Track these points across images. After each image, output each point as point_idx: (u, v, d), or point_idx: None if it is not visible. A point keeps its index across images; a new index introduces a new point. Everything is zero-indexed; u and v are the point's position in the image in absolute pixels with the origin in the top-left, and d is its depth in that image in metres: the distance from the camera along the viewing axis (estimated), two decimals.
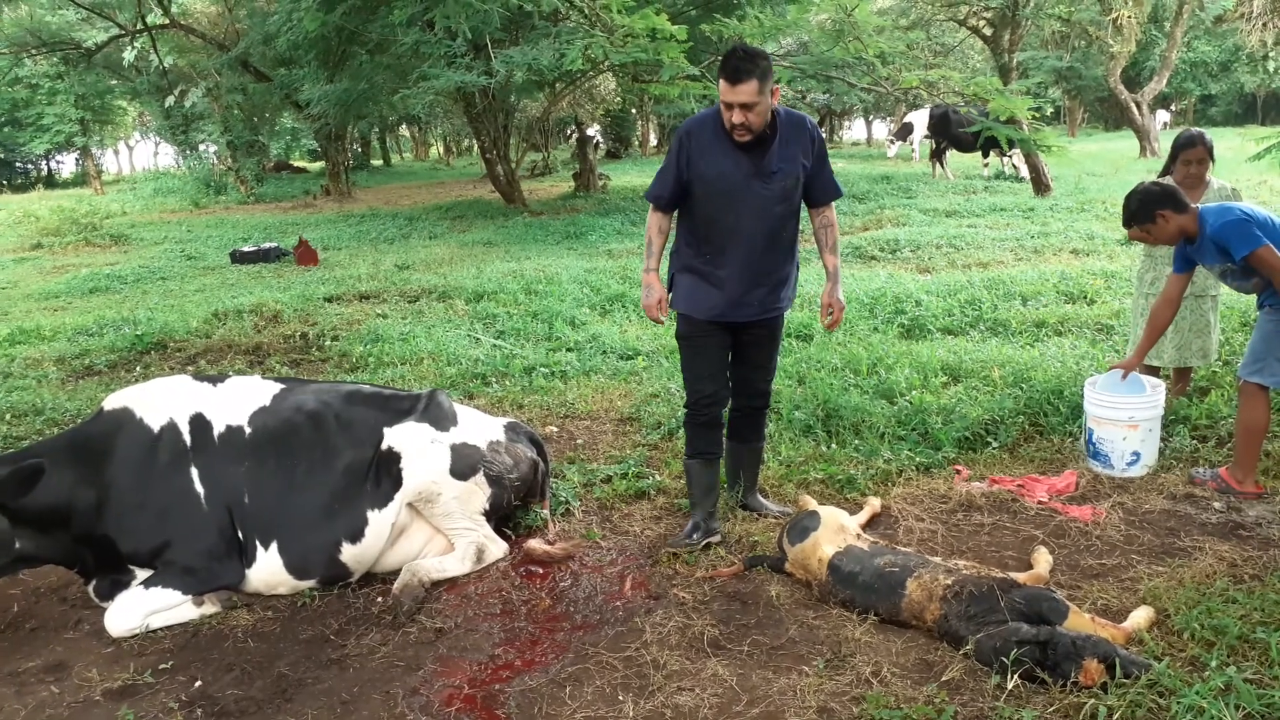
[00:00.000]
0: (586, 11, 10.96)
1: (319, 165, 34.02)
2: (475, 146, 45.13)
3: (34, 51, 20.27)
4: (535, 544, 3.94)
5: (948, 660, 2.99)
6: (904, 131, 25.65)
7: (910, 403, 5.30)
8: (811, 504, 3.92)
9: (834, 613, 3.35)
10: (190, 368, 7.19)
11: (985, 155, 19.52)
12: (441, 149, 48.72)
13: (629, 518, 4.31)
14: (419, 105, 15.32)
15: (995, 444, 4.86)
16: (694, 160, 3.68)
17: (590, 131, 29.49)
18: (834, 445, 4.90)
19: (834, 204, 3.93)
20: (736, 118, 3.51)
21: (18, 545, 3.38)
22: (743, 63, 3.41)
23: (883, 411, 5.22)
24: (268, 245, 13.57)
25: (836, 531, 3.57)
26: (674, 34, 10.16)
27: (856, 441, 4.92)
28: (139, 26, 19.37)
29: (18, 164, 44.10)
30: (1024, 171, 17.20)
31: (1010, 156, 18.47)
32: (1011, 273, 8.99)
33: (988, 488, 4.35)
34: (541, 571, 3.84)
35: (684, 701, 2.86)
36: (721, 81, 3.49)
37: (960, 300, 7.78)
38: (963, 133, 18.30)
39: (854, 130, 44.75)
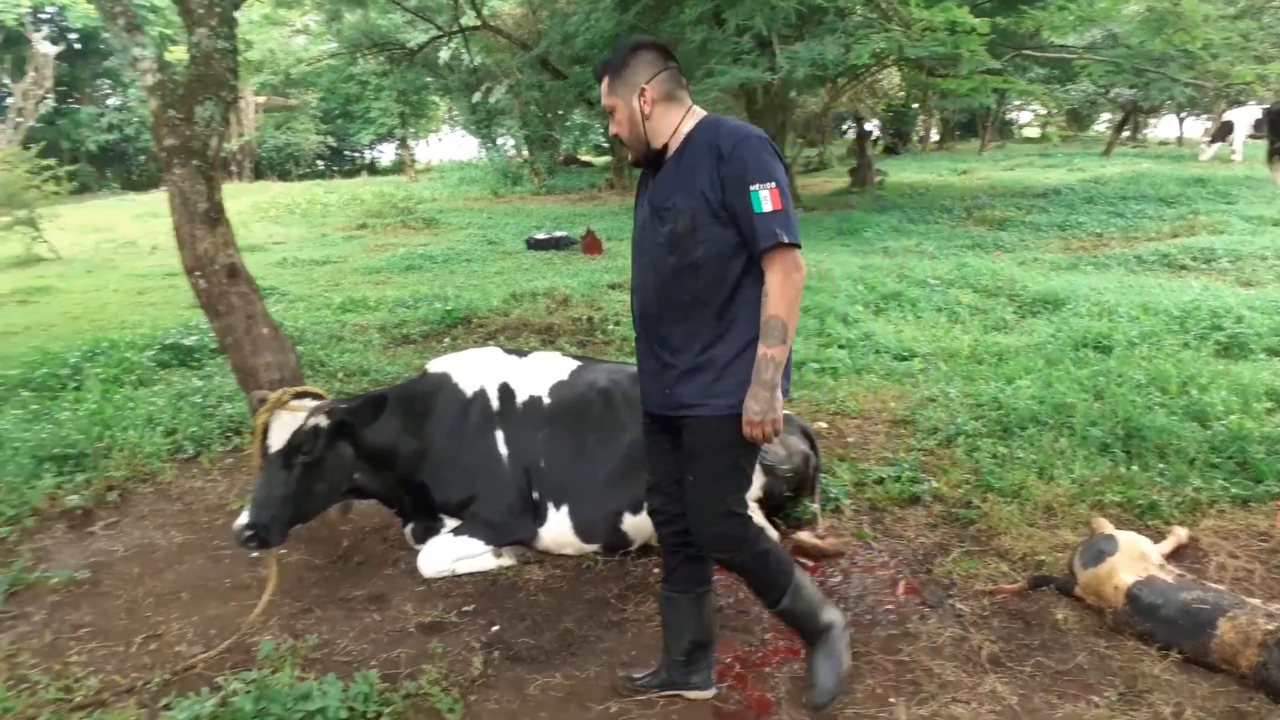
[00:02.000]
0: (884, 5, 10.72)
1: (604, 160, 35.68)
2: None
3: (366, 51, 22.78)
4: (805, 537, 3.97)
5: (1264, 713, 2.70)
6: (1223, 131, 22.92)
7: (1227, 428, 4.79)
8: (1107, 527, 3.67)
9: (1129, 644, 3.13)
10: (490, 342, 7.84)
11: None
12: None
13: (902, 521, 4.23)
14: (700, 102, 15.61)
15: None
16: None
17: (869, 126, 28.81)
18: (1134, 467, 4.52)
19: (784, 258, 2.54)
20: (610, 128, 2.87)
21: (355, 475, 3.86)
22: (607, 58, 2.81)
23: (1193, 435, 4.76)
24: (559, 234, 14.44)
25: (1136, 559, 3.32)
26: (975, 27, 9.73)
27: (1161, 465, 4.52)
28: (454, 28, 21.21)
29: (347, 152, 49.75)
30: None
31: None
32: None
33: None
34: (811, 565, 3.86)
35: (960, 714, 2.79)
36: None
37: None
38: None
39: (1161, 129, 40.65)
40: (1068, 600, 3.42)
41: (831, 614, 2.91)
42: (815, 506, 4.22)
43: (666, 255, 2.67)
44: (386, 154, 53.87)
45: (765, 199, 2.51)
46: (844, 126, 38.01)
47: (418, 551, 4.01)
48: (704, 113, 2.72)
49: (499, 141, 34.26)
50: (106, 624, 3.65)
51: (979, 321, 7.88)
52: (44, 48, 33.43)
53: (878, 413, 5.70)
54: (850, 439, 5.28)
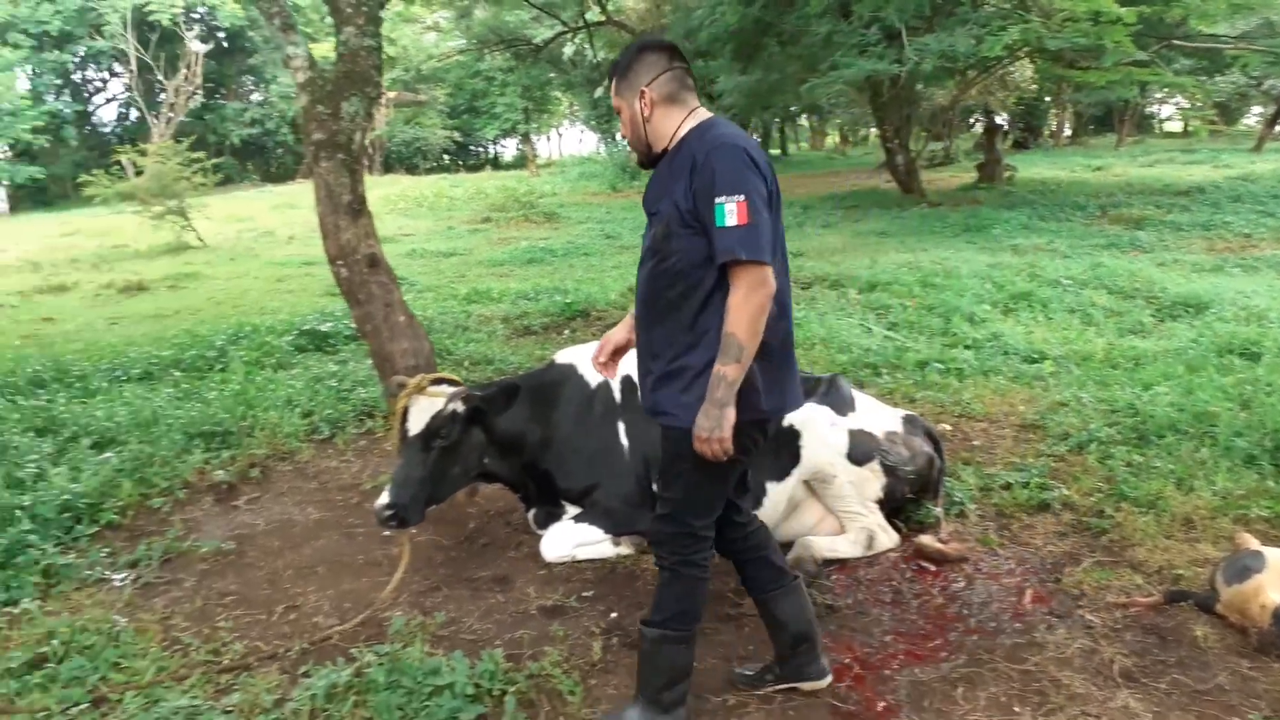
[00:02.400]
0: None
1: None
2: (871, 136, 44.66)
3: (494, 47, 23.37)
4: (928, 540, 3.90)
5: None
6: None
7: None
8: (1253, 543, 3.47)
9: (1275, 666, 2.96)
10: None
11: None
12: (838, 138, 48.71)
13: (1029, 529, 4.10)
14: (824, 95, 15.48)
15: None
16: None
17: (999, 120, 27.82)
18: None
19: (745, 275, 2.42)
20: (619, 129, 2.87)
21: (485, 460, 3.99)
22: (616, 58, 2.77)
23: None
24: None
25: None
26: (1120, 16, 9.27)
27: None
28: (579, 23, 21.53)
29: (471, 147, 51.13)
30: None
31: None
32: None
33: None
34: (933, 569, 3.79)
35: None
36: None
37: None
38: None
39: None
40: (1207, 617, 3.25)
41: (681, 712, 2.80)
42: (938, 510, 4.14)
43: (650, 258, 2.63)
44: (509, 149, 55.18)
45: (729, 213, 2.41)
46: (970, 120, 36.83)
47: (540, 536, 4.12)
48: (706, 115, 2.65)
49: (618, 137, 34.59)
50: (250, 593, 3.88)
51: (1114, 324, 7.56)
52: (195, 46, 35.47)
53: (1005, 416, 5.53)
54: (976, 442, 5.14)
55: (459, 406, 3.72)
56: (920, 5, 11.17)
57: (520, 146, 46.77)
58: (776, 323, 2.56)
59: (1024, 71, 23.96)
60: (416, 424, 3.67)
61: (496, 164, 49.48)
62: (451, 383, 3.86)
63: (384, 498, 3.59)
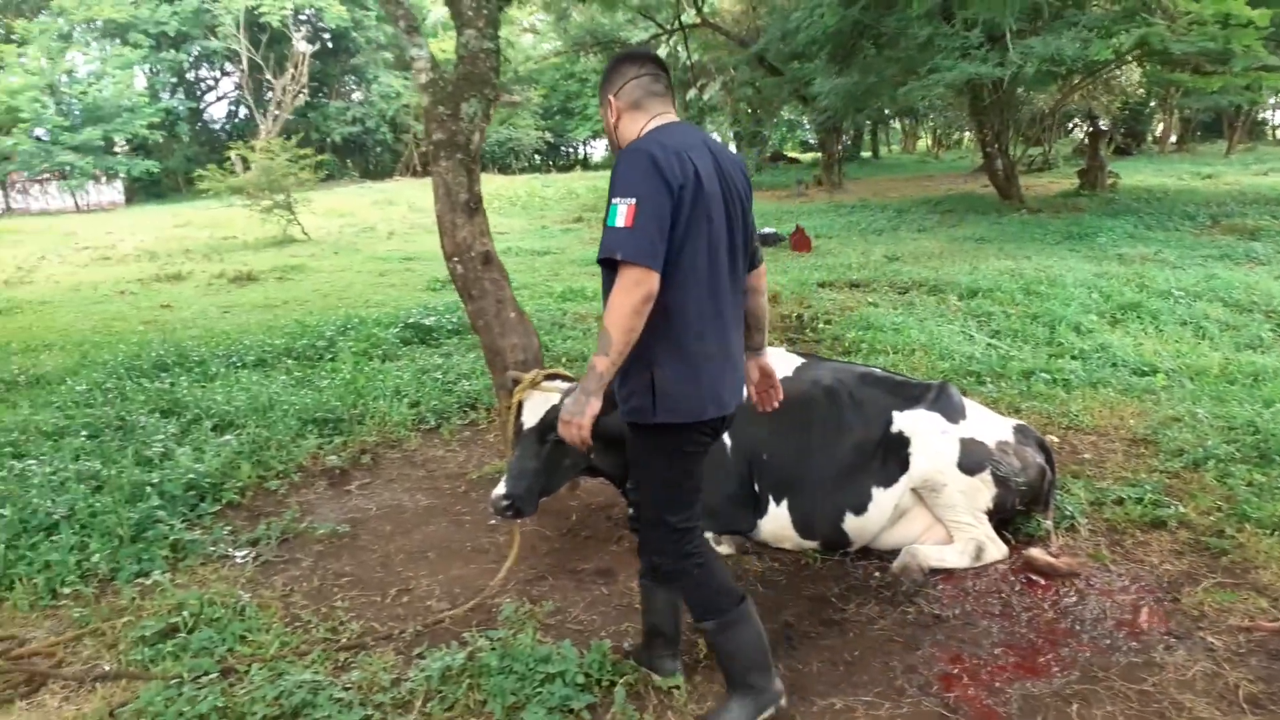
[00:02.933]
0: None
1: (809, 156, 35.25)
2: (965, 140, 43.66)
3: (590, 49, 23.62)
4: (1038, 553, 3.82)
5: None
6: None
7: None
8: None
9: None
10: None
11: None
12: (930, 142, 47.82)
13: (1144, 546, 3.99)
14: (921, 98, 15.24)
15: None
16: None
17: (1103, 125, 26.95)
18: None
19: (624, 274, 2.46)
20: None
21: (592, 456, 4.06)
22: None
23: None
24: (767, 230, 14.44)
25: None
26: (1252, 20, 8.84)
27: None
28: (675, 25, 21.60)
29: (562, 148, 51.74)
30: None
31: None
32: None
33: None
34: (1043, 582, 3.72)
35: None
36: None
37: None
38: None
39: None
40: None
41: (774, 682, 2.87)
42: (1048, 523, 4.06)
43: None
44: (598, 150, 55.64)
45: (619, 214, 2.47)
46: (1069, 125, 35.75)
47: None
48: (668, 120, 2.72)
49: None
50: (364, 575, 4.03)
51: (1230, 338, 7.27)
52: (301, 46, 36.73)
53: (1114, 429, 5.38)
54: (1085, 455, 5.02)
55: None
56: (1025, 7, 10.86)
57: (609, 147, 47.17)
58: (710, 322, 2.64)
59: (1130, 75, 23.19)
60: (531, 418, 3.76)
61: (586, 164, 49.94)
62: (564, 378, 3.94)
63: (500, 488, 3.69)
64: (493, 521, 4.39)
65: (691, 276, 2.59)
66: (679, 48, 23.51)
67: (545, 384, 3.80)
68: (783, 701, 2.89)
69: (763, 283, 3.05)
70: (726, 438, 4.09)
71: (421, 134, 39.58)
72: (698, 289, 2.61)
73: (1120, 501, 4.36)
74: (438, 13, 34.31)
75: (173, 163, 38.79)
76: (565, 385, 3.83)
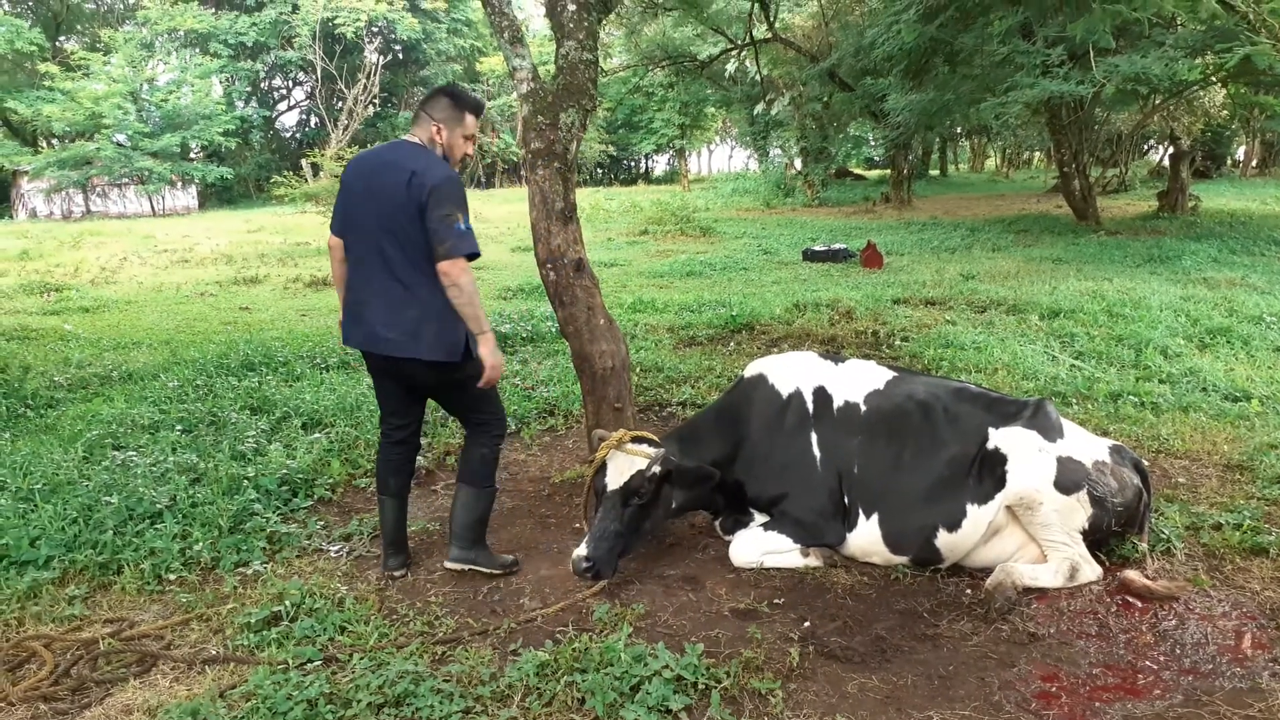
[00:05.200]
0: (1252, 18, 9.72)
1: (876, 173, 34.97)
2: (1035, 159, 42.90)
3: (660, 64, 23.75)
4: (1134, 575, 3.75)
5: None
6: None
7: None
8: None
9: None
10: (774, 350, 7.97)
11: None
12: (999, 161, 47.13)
13: (1244, 572, 3.90)
14: (996, 115, 15.03)
15: None
16: None
17: (1184, 147, 26.28)
18: None
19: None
20: (471, 149, 3.82)
21: (674, 504, 4.10)
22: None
23: None
24: (837, 246, 14.39)
25: None
26: None
27: None
28: (746, 40, 21.63)
29: (625, 161, 52.05)
30: None
31: None
32: None
33: None
34: (1140, 605, 3.65)
35: None
36: (470, 117, 3.75)
37: None
38: None
39: None
40: None
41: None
42: (1144, 545, 3.98)
43: None
44: (660, 164, 55.91)
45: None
46: (1145, 146, 34.94)
47: (725, 541, 4.19)
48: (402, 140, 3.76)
49: (771, 154, 34.54)
50: (455, 572, 4.09)
51: None
52: (374, 58, 37.55)
53: (1207, 454, 5.26)
54: (1178, 480, 4.91)
55: (658, 470, 3.87)
56: (1114, 22, 10.68)
57: (672, 161, 47.28)
58: (352, 274, 3.77)
59: (1214, 97, 22.58)
60: (616, 480, 3.83)
61: (649, 178, 50.17)
62: (650, 441, 3.99)
63: (582, 549, 3.77)
64: (577, 525, 4.44)
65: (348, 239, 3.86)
66: (748, 62, 23.56)
67: (630, 446, 3.85)
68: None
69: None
70: (817, 449, 4.10)
71: (497, 145, 40.13)
72: (354, 244, 3.80)
73: (1218, 527, 4.26)
74: (535, 25, 34.81)
75: (245, 169, 39.91)
76: (651, 450, 3.87)
